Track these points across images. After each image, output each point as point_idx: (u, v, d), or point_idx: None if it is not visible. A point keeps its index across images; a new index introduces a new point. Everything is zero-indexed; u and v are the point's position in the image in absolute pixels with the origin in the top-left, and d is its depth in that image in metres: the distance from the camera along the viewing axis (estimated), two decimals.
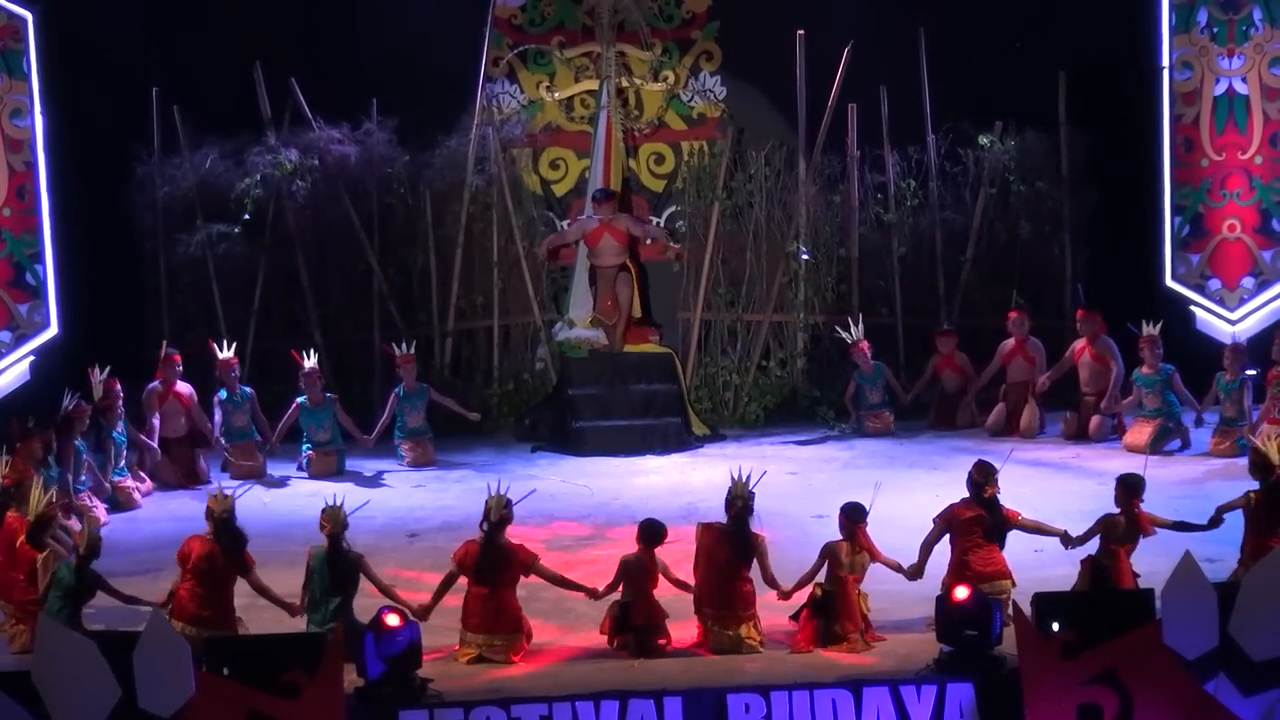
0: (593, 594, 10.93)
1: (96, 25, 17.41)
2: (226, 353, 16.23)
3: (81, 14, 17.42)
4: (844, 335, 17.14)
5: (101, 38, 17.31)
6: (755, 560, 10.75)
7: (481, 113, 18.28)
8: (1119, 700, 9.28)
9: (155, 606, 10.78)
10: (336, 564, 10.70)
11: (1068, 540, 11.10)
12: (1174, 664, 9.27)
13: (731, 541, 10.74)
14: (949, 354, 17.33)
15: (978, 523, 10.91)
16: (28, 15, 17.04)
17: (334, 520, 10.77)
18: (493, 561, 10.69)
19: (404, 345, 16.71)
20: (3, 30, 17.00)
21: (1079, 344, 16.65)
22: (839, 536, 10.89)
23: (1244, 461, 14.34)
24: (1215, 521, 11.33)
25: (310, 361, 16.20)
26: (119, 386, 15.33)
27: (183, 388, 16.04)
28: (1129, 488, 11.06)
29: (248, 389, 16.24)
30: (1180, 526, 11.16)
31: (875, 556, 10.84)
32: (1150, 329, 15.95)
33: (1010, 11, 17.51)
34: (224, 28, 17.95)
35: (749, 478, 10.86)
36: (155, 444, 15.65)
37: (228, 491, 11.18)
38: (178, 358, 16.09)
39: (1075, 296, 17.26)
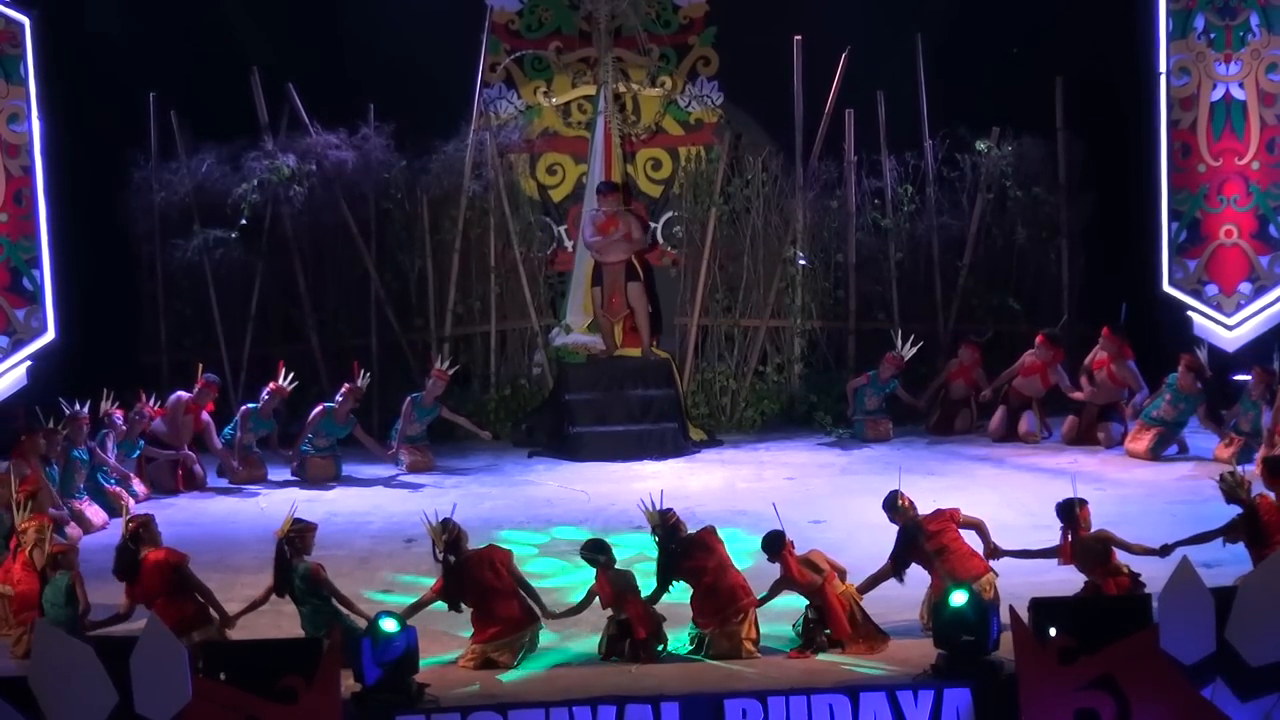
0: (549, 615, 10.84)
1: (94, 30, 17.43)
2: (284, 382, 16.21)
3: (79, 19, 17.44)
4: (895, 340, 17.11)
5: (99, 43, 17.31)
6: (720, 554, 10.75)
7: (479, 118, 18.27)
8: (1116, 706, 9.28)
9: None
10: (279, 574, 10.69)
11: (991, 551, 10.99)
12: (1171, 670, 9.27)
13: (679, 559, 10.72)
14: (969, 365, 17.26)
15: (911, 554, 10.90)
16: (25, 20, 17.04)
17: (284, 529, 10.77)
18: (466, 581, 10.67)
19: (444, 360, 16.68)
20: (0, 35, 17.00)
21: (1101, 355, 16.57)
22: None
23: (1246, 469, 14.40)
24: (1164, 550, 10.97)
25: (362, 382, 16.17)
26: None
27: (205, 416, 16.06)
28: (1064, 515, 10.96)
29: (273, 423, 16.24)
30: (1134, 550, 10.95)
31: (795, 582, 10.65)
32: (1198, 354, 15.88)
33: (1007, 17, 17.53)
34: (221, 33, 17.98)
35: (654, 503, 10.88)
36: (187, 450, 15.75)
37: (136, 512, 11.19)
38: (216, 388, 16.13)
39: (1119, 314, 17.05)
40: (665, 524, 10.82)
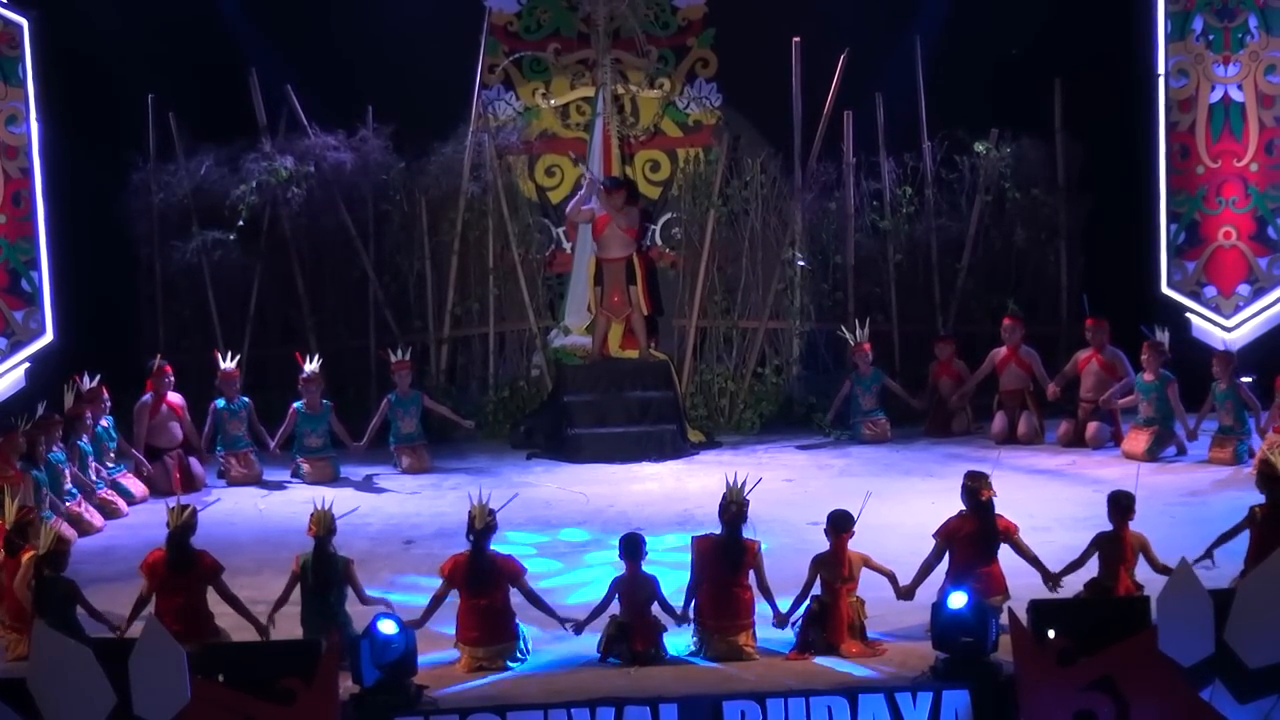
0: (574, 627, 10.73)
1: (93, 31, 17.44)
2: (229, 364, 16.23)
3: (78, 20, 17.44)
4: (847, 336, 17.17)
5: (98, 44, 17.34)
6: (751, 570, 10.72)
7: (477, 119, 18.27)
8: (1115, 707, 9.27)
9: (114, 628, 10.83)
10: (320, 567, 10.69)
11: (1051, 580, 10.85)
12: (1170, 671, 9.27)
13: (724, 552, 10.71)
14: (947, 360, 17.33)
15: (974, 537, 10.88)
16: (23, 21, 17.04)
17: (320, 524, 10.76)
18: (483, 571, 10.65)
19: (400, 351, 16.73)
20: None
21: (1084, 353, 16.59)
22: (828, 545, 10.92)
23: (1244, 470, 14.41)
24: (1208, 555, 11.03)
25: (311, 366, 16.21)
26: (105, 393, 15.36)
27: (174, 398, 16.06)
28: (1120, 507, 10.87)
29: (245, 399, 16.25)
30: (1168, 571, 10.99)
31: (834, 566, 10.61)
32: (1160, 336, 15.91)
33: (1006, 19, 17.55)
34: (220, 34, 17.98)
35: (744, 484, 10.85)
36: (142, 457, 15.69)
37: (187, 504, 11.12)
38: (169, 369, 16.10)
39: (1082, 306, 17.14)
40: (740, 509, 10.75)
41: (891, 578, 10.87)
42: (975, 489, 10.93)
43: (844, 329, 17.40)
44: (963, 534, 10.87)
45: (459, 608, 10.66)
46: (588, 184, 17.52)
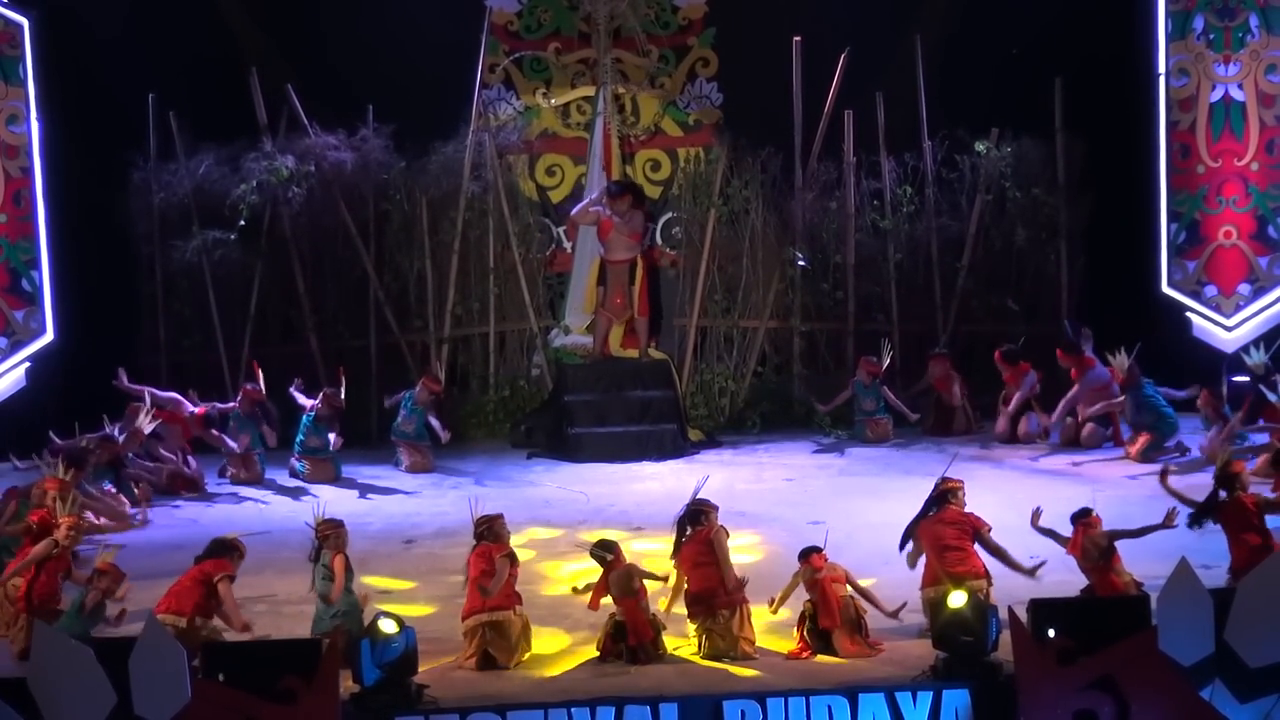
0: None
1: (94, 31, 17.43)
2: (257, 385, 16.21)
3: (79, 20, 17.43)
4: (884, 353, 17.21)
5: (98, 44, 17.32)
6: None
7: (478, 119, 18.27)
8: (1115, 707, 9.29)
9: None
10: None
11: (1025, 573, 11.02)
12: (1170, 671, 9.28)
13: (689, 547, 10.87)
14: (943, 376, 17.30)
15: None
16: (24, 21, 17.06)
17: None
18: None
19: (437, 369, 17.00)
20: (0, 36, 17.06)
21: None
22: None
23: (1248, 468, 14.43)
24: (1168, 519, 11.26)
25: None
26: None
27: (188, 408, 16.06)
28: (1074, 518, 11.09)
29: (251, 423, 16.21)
30: (1140, 533, 11.17)
31: (814, 582, 10.67)
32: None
33: (1007, 18, 17.53)
34: (221, 34, 17.98)
35: (698, 487, 11.10)
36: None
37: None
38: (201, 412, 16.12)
39: (1066, 333, 17.08)
40: (691, 509, 10.96)
41: (870, 599, 10.86)
42: (938, 500, 11.09)
43: (885, 340, 17.41)
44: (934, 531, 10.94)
45: (468, 589, 10.67)
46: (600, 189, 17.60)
